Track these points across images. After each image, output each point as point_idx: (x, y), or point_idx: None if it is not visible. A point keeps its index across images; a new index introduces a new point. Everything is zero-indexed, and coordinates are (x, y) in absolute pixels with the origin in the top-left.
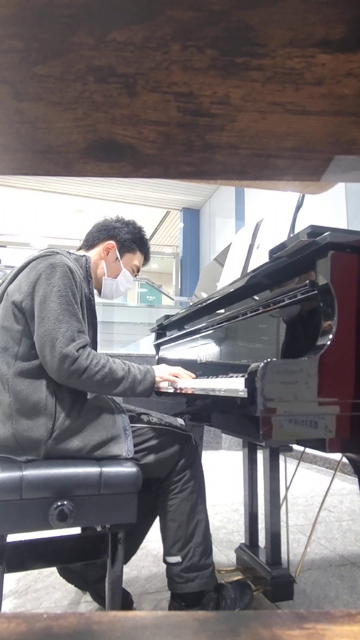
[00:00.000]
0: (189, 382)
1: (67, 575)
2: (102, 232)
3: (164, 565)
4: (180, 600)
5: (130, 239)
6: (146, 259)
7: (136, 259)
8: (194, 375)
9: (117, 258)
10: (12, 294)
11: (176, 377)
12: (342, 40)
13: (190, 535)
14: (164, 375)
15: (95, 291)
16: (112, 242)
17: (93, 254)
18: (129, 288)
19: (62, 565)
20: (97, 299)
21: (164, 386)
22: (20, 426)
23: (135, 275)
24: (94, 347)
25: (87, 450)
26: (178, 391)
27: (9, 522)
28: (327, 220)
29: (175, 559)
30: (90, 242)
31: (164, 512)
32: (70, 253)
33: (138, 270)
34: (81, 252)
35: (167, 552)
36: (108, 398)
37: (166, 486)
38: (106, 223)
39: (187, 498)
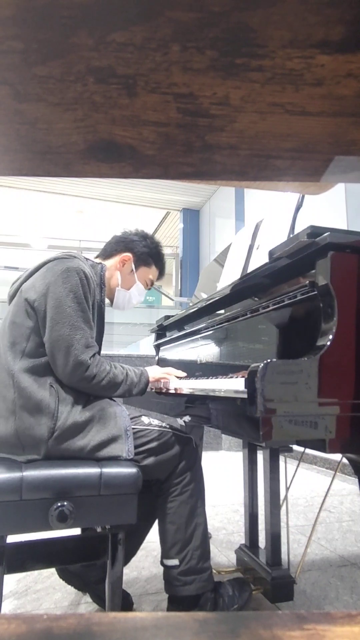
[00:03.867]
0: (188, 383)
1: (67, 576)
2: (120, 244)
3: None
4: (178, 603)
5: (146, 253)
6: (161, 274)
7: (151, 273)
8: (184, 374)
9: (132, 270)
10: (26, 291)
11: (168, 374)
12: (342, 41)
13: (188, 538)
14: (156, 375)
15: (106, 300)
16: (128, 255)
17: (109, 263)
18: (141, 301)
19: (62, 566)
20: None
21: (158, 386)
22: (23, 423)
23: (148, 289)
24: (99, 352)
25: (88, 450)
26: (174, 391)
27: (9, 523)
28: (327, 221)
29: (173, 561)
30: (107, 253)
31: (162, 514)
32: (87, 259)
33: (152, 284)
34: (98, 260)
35: (165, 555)
36: (109, 398)
37: (166, 488)
38: (125, 235)
39: (186, 501)
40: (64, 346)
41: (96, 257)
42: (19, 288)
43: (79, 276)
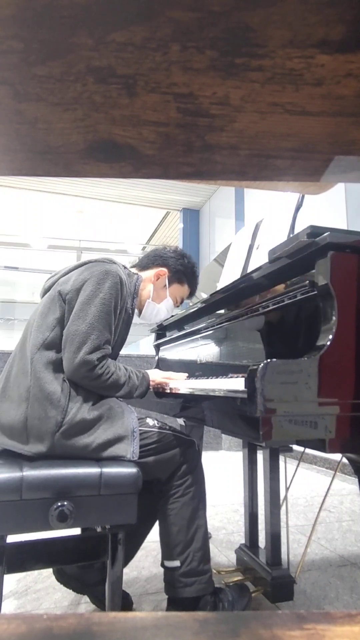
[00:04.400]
0: (188, 383)
1: (64, 579)
2: (158, 259)
3: None
4: (177, 605)
5: (182, 271)
6: (191, 293)
7: (183, 291)
8: (186, 375)
9: (165, 285)
10: (61, 284)
11: (169, 379)
12: (342, 41)
13: (189, 540)
14: (156, 379)
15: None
16: (164, 270)
17: (144, 275)
18: (168, 317)
19: (62, 565)
20: None
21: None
22: (34, 412)
23: (177, 306)
24: (115, 357)
25: (93, 448)
26: (174, 391)
27: (9, 522)
28: (326, 221)
29: (174, 563)
30: (143, 265)
31: (164, 516)
32: (125, 267)
33: (182, 302)
34: (134, 270)
35: (166, 556)
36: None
37: (167, 490)
38: (163, 251)
39: (188, 503)
40: (77, 341)
41: (132, 266)
42: (55, 282)
43: (114, 280)
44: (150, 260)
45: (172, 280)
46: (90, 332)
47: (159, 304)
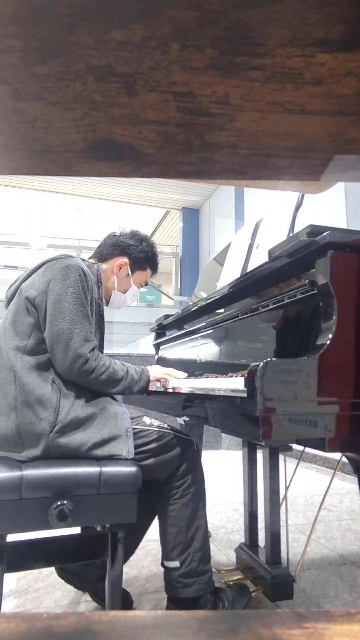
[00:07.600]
0: (188, 382)
1: (66, 575)
2: (117, 248)
3: None
4: (177, 604)
5: (142, 258)
6: (154, 273)
7: (145, 275)
8: (185, 375)
9: (128, 274)
10: (26, 289)
11: (169, 375)
12: (342, 40)
13: (189, 541)
14: (156, 375)
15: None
16: (125, 260)
17: (105, 267)
18: (134, 300)
19: (62, 565)
20: None
21: (157, 386)
22: (24, 418)
23: (142, 287)
24: (101, 350)
25: (88, 447)
26: (172, 390)
27: (8, 521)
28: (326, 220)
29: (174, 564)
30: (103, 255)
31: (164, 516)
32: (83, 260)
33: (145, 284)
34: (93, 261)
35: (166, 557)
36: (111, 398)
37: (167, 491)
38: (121, 239)
39: (187, 504)
40: (63, 340)
41: (90, 257)
42: (18, 288)
43: (78, 273)
44: (109, 250)
45: (135, 268)
46: (73, 327)
47: (125, 293)
